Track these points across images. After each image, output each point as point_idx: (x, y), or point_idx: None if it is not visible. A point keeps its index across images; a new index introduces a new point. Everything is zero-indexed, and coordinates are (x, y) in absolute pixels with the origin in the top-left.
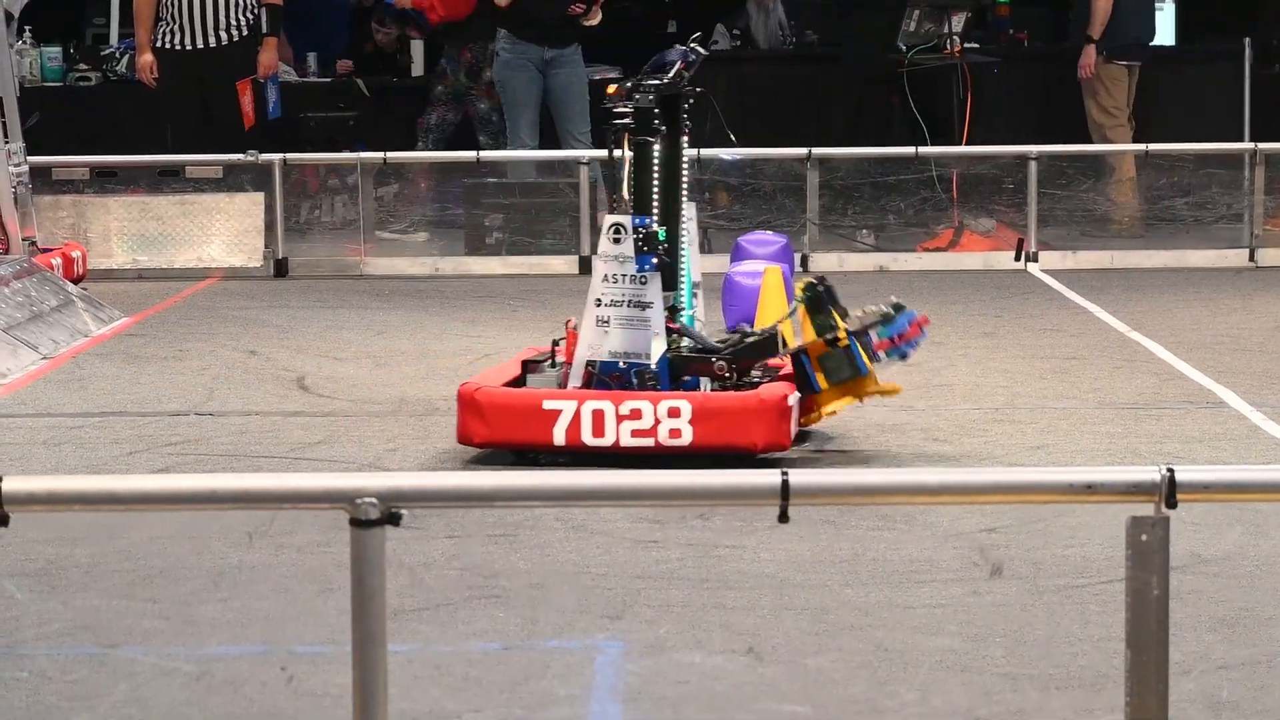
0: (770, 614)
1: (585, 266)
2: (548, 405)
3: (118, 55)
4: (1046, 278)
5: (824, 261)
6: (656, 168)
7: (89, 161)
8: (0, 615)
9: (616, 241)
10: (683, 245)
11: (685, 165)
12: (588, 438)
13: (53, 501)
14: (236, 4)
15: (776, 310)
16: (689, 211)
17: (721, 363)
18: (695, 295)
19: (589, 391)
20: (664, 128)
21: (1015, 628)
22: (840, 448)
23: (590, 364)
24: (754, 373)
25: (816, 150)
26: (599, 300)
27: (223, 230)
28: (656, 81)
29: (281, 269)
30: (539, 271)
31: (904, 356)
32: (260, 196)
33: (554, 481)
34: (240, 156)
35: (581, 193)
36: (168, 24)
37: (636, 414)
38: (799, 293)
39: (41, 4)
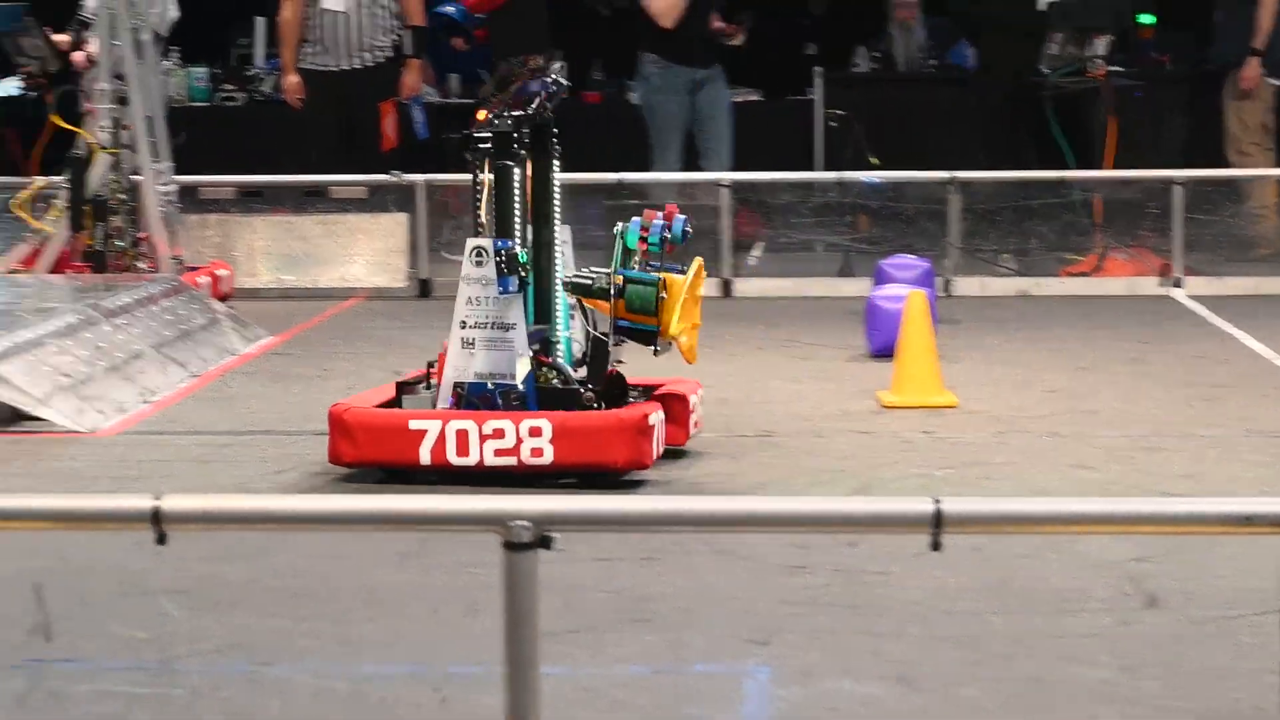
0: (920, 642)
1: (727, 289)
2: (414, 425)
3: (263, 76)
4: (1192, 303)
5: (966, 285)
6: (518, 192)
7: (235, 181)
8: (155, 632)
9: (479, 264)
10: (557, 273)
11: (556, 192)
12: (453, 457)
13: (210, 521)
14: (380, 26)
15: (919, 335)
16: (563, 235)
17: (589, 393)
18: (573, 318)
19: (454, 412)
20: (524, 153)
21: (1169, 659)
22: (986, 475)
23: (459, 385)
24: (632, 394)
25: (958, 173)
26: (463, 322)
27: (366, 250)
28: (520, 112)
29: (425, 289)
30: None
31: (677, 240)
32: (404, 217)
33: (705, 507)
34: (384, 177)
35: (722, 215)
36: (313, 45)
37: (499, 433)
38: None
39: (188, 25)
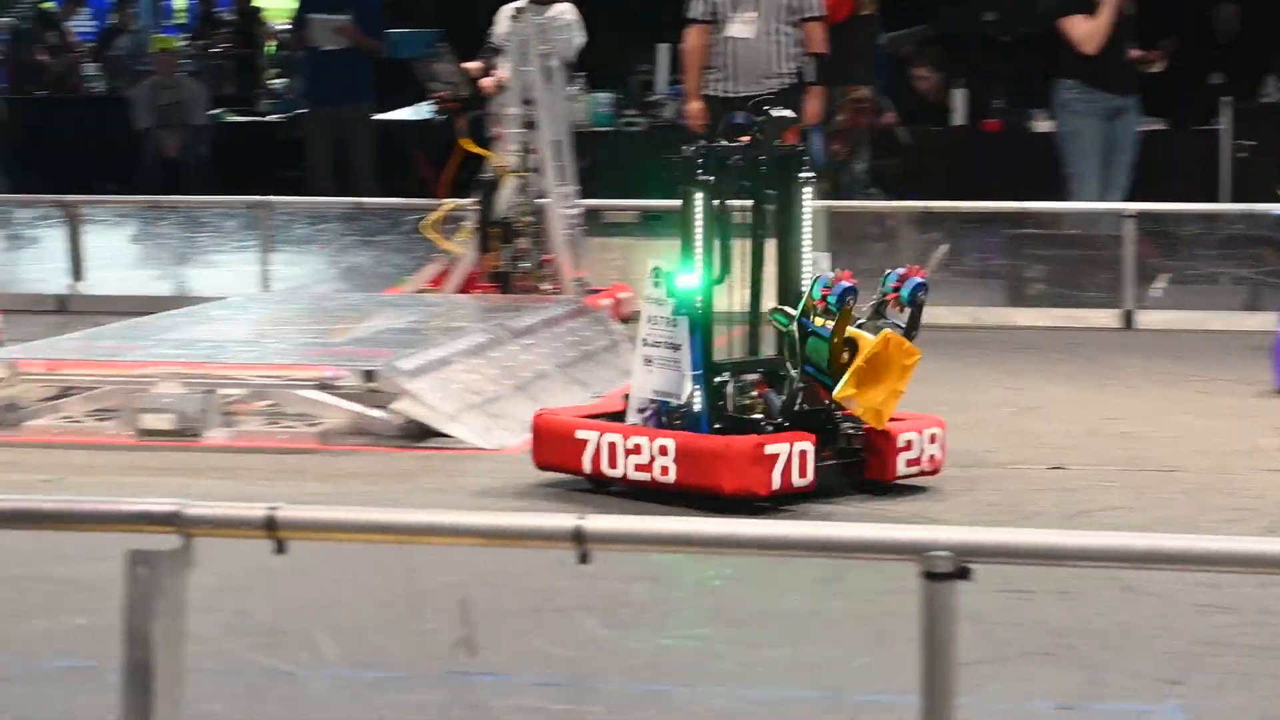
0: None
1: (1128, 321)
2: (578, 435)
3: (665, 101)
4: None
5: None
6: (699, 217)
7: (638, 205)
8: (579, 652)
9: (656, 285)
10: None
11: (806, 222)
12: (605, 468)
13: (631, 541)
14: (784, 53)
15: None
16: (821, 264)
17: (769, 428)
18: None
19: (610, 424)
20: (709, 181)
21: None
22: None
23: (654, 400)
24: (847, 426)
25: None
26: (644, 340)
27: (766, 275)
28: (725, 142)
29: None
30: (1080, 324)
31: (904, 303)
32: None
33: (1126, 543)
34: None
35: (1125, 245)
36: (717, 72)
37: (637, 449)
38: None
39: (593, 51)
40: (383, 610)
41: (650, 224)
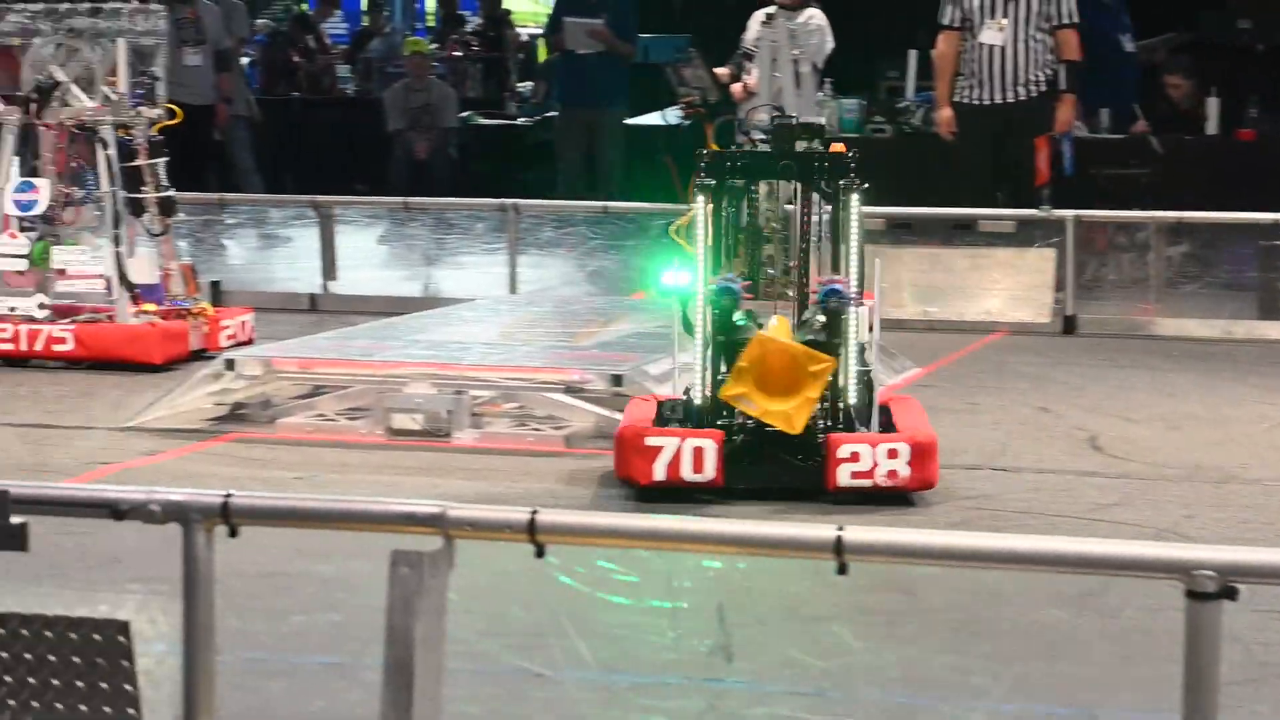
0: None
1: None
2: (622, 425)
3: (913, 108)
4: None
5: None
6: (701, 220)
7: (884, 212)
8: (832, 662)
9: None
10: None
11: (853, 232)
12: None
13: (890, 554)
14: (1036, 60)
15: None
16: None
17: (736, 426)
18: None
19: (636, 411)
20: (710, 184)
21: None
22: None
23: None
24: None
25: None
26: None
27: (1012, 285)
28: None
29: (1070, 326)
30: None
31: (825, 309)
32: (1051, 252)
33: None
34: (1034, 212)
35: None
36: (968, 79)
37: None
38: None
39: (841, 56)
40: (640, 614)
41: (894, 231)
